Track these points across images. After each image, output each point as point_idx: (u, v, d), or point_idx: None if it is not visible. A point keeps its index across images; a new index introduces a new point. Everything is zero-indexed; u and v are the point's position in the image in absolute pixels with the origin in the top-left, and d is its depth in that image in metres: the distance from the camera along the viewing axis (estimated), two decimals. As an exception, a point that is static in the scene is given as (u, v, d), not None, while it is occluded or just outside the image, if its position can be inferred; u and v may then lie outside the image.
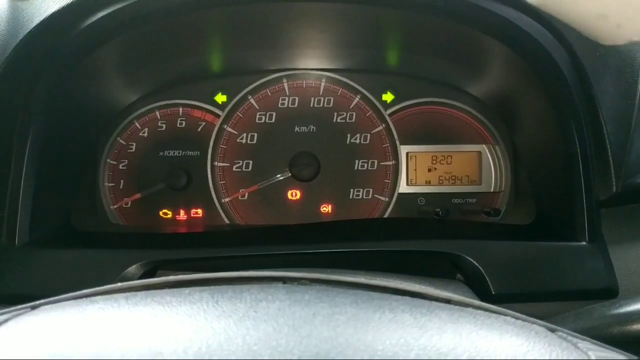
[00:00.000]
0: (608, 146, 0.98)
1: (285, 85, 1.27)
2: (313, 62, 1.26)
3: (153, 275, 1.02)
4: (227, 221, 1.26)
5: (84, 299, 0.56)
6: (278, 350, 0.43)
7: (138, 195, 1.26)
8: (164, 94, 1.26)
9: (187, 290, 0.56)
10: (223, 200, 1.26)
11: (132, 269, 0.94)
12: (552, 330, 0.54)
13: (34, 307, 0.55)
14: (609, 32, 0.40)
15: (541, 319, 0.78)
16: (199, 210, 1.26)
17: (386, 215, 1.25)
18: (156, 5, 0.96)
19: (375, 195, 1.26)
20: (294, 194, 1.26)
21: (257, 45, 1.19)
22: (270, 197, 1.26)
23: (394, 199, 1.26)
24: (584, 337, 0.53)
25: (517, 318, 0.54)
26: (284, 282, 0.63)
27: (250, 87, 1.27)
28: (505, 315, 0.55)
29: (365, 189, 1.27)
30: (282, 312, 0.49)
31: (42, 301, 0.56)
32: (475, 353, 0.45)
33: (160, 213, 1.27)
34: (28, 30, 0.91)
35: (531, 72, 0.98)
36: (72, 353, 0.43)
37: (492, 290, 0.92)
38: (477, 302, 0.57)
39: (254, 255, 0.98)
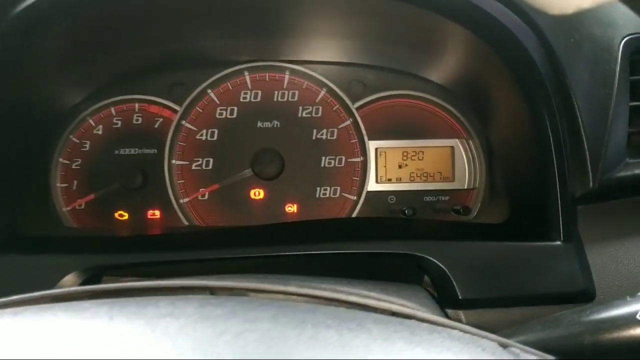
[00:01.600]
0: (584, 138, 0.93)
1: (247, 78, 1.20)
2: (276, 54, 1.19)
3: (99, 281, 0.95)
4: (186, 223, 1.19)
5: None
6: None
7: (92, 197, 1.19)
8: (119, 88, 1.19)
9: (87, 303, 0.49)
10: (181, 201, 1.19)
11: (71, 276, 0.87)
12: (504, 346, 0.47)
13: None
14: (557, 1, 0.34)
15: (507, 327, 0.72)
16: (157, 212, 1.19)
17: (354, 215, 1.19)
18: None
19: (343, 194, 1.20)
20: (257, 193, 1.20)
21: (216, 35, 1.12)
22: (232, 197, 1.19)
23: (363, 197, 1.19)
24: (539, 353, 0.47)
25: (465, 332, 0.48)
26: (212, 292, 0.56)
27: (210, 80, 1.19)
28: (453, 328, 0.48)
29: (333, 187, 1.20)
30: (183, 331, 0.42)
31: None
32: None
33: (116, 215, 1.19)
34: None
35: (499, 59, 0.91)
36: None
37: (459, 295, 0.86)
38: (421, 314, 0.50)
39: (206, 259, 0.91)
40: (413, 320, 0.48)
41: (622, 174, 0.95)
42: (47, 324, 0.43)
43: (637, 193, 0.98)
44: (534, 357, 0.44)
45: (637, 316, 0.63)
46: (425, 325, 0.48)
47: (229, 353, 0.39)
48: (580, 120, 0.92)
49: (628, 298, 0.66)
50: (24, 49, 0.93)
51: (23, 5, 0.86)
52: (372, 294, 0.64)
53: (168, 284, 0.53)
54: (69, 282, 0.89)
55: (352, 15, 1.04)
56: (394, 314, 0.52)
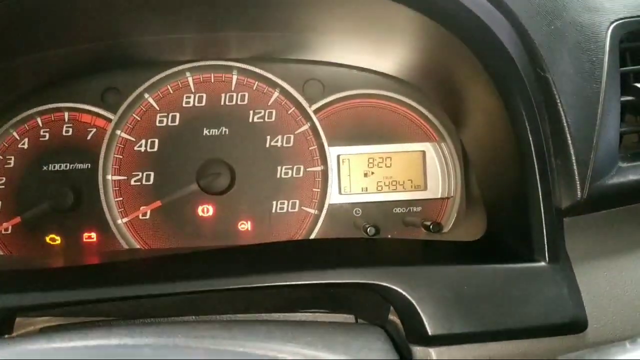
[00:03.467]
0: (569, 141, 0.83)
1: (190, 80, 1.10)
2: (221, 51, 1.08)
3: (12, 322, 0.82)
4: (125, 246, 1.08)
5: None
6: None
7: (18, 219, 1.07)
8: (45, 95, 1.08)
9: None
10: (119, 222, 1.08)
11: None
12: None
13: None
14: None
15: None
16: (93, 234, 1.08)
17: (316, 231, 1.07)
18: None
19: (303, 208, 1.09)
20: (206, 210, 1.08)
21: (153, 30, 1.01)
22: (177, 215, 1.09)
23: (325, 211, 1.09)
24: None
25: None
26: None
27: (148, 83, 1.09)
28: None
29: (291, 201, 1.10)
30: None
31: None
32: None
33: (47, 239, 1.08)
34: None
35: (461, 45, 0.80)
36: None
37: (428, 331, 0.73)
38: None
39: (151, 295, 0.79)
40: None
41: (615, 180, 0.84)
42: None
43: (632, 201, 0.87)
44: None
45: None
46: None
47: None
48: (564, 119, 0.83)
49: (627, 345, 0.54)
50: None
51: None
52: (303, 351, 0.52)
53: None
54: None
55: (304, 5, 0.92)
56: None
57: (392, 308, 0.82)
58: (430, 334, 0.74)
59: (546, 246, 0.80)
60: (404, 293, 0.76)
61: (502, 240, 0.89)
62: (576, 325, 0.76)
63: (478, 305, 0.76)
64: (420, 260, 0.83)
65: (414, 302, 0.75)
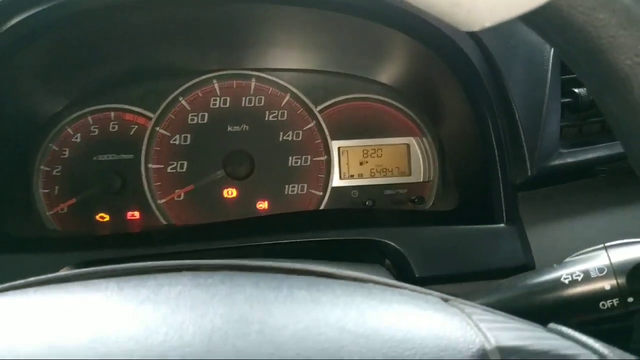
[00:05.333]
0: (521, 132, 1.02)
1: (216, 86, 1.29)
2: (242, 63, 1.28)
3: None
4: (164, 222, 1.27)
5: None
6: (172, 329, 0.45)
7: (73, 200, 1.25)
8: (95, 98, 1.26)
9: (91, 281, 0.58)
10: (159, 202, 1.27)
11: (64, 271, 0.95)
12: (445, 300, 0.57)
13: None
14: (463, 18, 0.44)
15: (461, 297, 0.83)
16: (136, 213, 1.27)
17: (321, 208, 1.28)
18: (80, 8, 0.96)
19: (310, 190, 1.29)
20: (230, 193, 1.28)
21: (184, 48, 1.21)
22: (206, 197, 1.28)
23: (328, 192, 1.29)
24: (475, 304, 0.57)
25: (412, 290, 0.58)
26: (191, 270, 0.65)
27: (181, 88, 1.28)
28: (403, 288, 0.58)
29: (300, 184, 1.29)
30: (182, 295, 0.51)
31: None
32: (362, 320, 0.48)
33: (97, 217, 1.27)
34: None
35: (441, 63, 1.02)
36: None
37: (415, 273, 0.96)
38: (379, 279, 0.60)
39: (190, 251, 1.00)
40: (371, 284, 0.58)
41: (556, 162, 1.04)
42: (70, 295, 0.52)
43: (570, 179, 1.10)
44: (466, 306, 0.54)
45: (562, 279, 0.74)
46: (380, 286, 0.58)
47: (221, 309, 0.48)
48: (517, 116, 1.01)
49: (555, 265, 0.77)
50: (8, 64, 1.00)
51: (6, 26, 0.93)
52: (336, 269, 0.74)
53: (163, 264, 0.62)
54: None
55: (309, 28, 1.14)
56: (354, 279, 0.62)
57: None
58: (417, 275, 0.96)
59: (504, 212, 1.01)
60: (396, 246, 0.98)
61: (471, 209, 1.12)
62: (526, 268, 0.96)
63: (453, 255, 0.99)
64: (408, 223, 1.06)
65: (404, 252, 0.98)
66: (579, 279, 0.73)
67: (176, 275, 0.57)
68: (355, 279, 0.61)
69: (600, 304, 0.71)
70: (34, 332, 0.47)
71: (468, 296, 0.77)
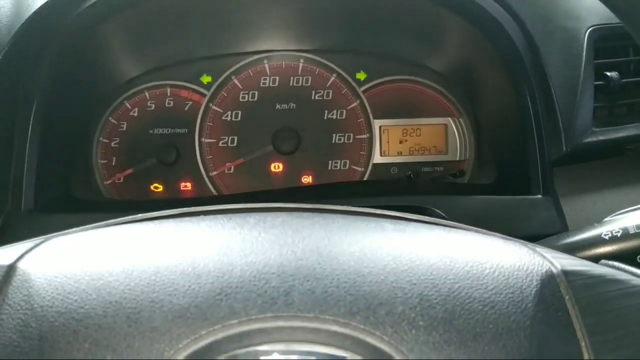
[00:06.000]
0: (558, 111, 1.09)
1: (266, 66, 1.37)
2: (291, 44, 1.36)
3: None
4: (215, 193, 1.35)
5: (113, 225, 0.65)
6: (285, 246, 0.53)
7: (130, 171, 1.34)
8: (153, 75, 1.34)
9: (202, 216, 0.65)
10: (211, 174, 1.35)
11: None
12: (507, 238, 0.65)
13: (68, 233, 0.64)
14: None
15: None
16: (188, 184, 1.35)
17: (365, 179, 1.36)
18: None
19: (352, 166, 1.37)
20: (277, 167, 1.36)
21: (238, 29, 1.29)
22: (254, 170, 1.36)
23: (369, 169, 1.36)
24: (539, 245, 0.64)
25: (477, 231, 0.66)
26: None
27: (234, 68, 1.36)
28: (470, 229, 0.66)
29: (343, 160, 1.37)
30: (286, 222, 0.59)
31: (75, 229, 0.65)
32: (446, 249, 0.56)
33: (152, 187, 1.35)
34: (33, 10, 0.99)
35: (489, 46, 1.09)
36: (112, 260, 0.51)
37: (459, 236, 1.03)
38: (452, 222, 0.68)
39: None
40: (440, 226, 0.66)
41: (589, 139, 1.11)
42: (185, 223, 0.60)
43: (602, 156, 1.17)
44: (534, 245, 0.61)
45: (602, 235, 0.81)
46: (449, 226, 0.66)
47: (322, 232, 0.56)
48: (554, 96, 1.08)
49: (595, 224, 0.84)
50: (87, 35, 1.09)
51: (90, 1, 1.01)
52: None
53: (252, 205, 0.70)
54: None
55: (358, 10, 1.22)
56: (428, 223, 0.69)
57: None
58: (461, 240, 1.04)
59: (540, 184, 1.08)
60: (442, 213, 1.06)
61: (509, 182, 1.19)
62: None
63: (493, 222, 1.06)
64: (451, 192, 1.14)
65: (449, 219, 1.06)
66: (619, 235, 0.80)
67: (273, 212, 0.65)
68: (428, 222, 0.69)
69: (638, 257, 0.79)
70: (168, 249, 0.54)
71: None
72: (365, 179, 1.36)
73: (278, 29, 1.31)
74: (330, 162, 1.37)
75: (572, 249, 0.83)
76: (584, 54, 1.12)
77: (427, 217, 0.70)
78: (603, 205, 1.12)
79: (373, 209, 0.72)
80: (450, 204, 1.07)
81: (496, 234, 0.67)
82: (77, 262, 0.52)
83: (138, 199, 1.34)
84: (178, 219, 0.64)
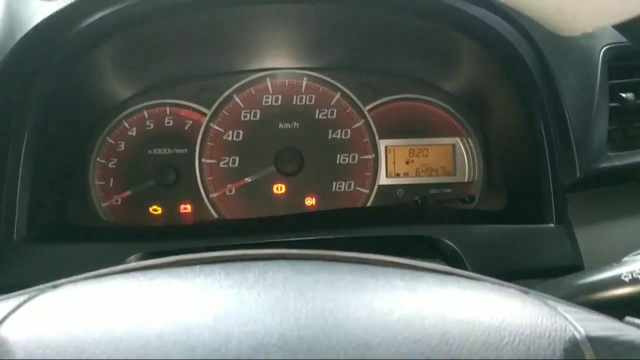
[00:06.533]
0: (571, 134, 1.05)
1: (269, 84, 1.33)
2: (294, 62, 1.32)
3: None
4: (215, 215, 1.31)
5: (103, 277, 0.60)
6: (287, 311, 0.49)
7: (128, 193, 1.30)
8: (152, 94, 1.31)
9: (197, 267, 0.61)
10: (211, 196, 1.31)
11: (129, 260, 0.99)
12: (525, 292, 0.61)
13: (55, 286, 0.60)
14: (566, 24, 0.48)
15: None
16: (188, 206, 1.31)
17: (368, 205, 1.32)
18: (146, 9, 1.01)
19: (357, 188, 1.33)
20: (280, 188, 1.32)
21: (240, 47, 1.25)
22: (256, 191, 1.32)
23: (375, 190, 1.32)
24: (553, 297, 0.60)
25: (494, 283, 0.61)
26: (284, 259, 0.68)
27: (235, 86, 1.32)
28: (485, 280, 0.62)
29: (347, 182, 1.33)
30: (288, 280, 0.55)
31: (63, 280, 0.61)
32: (459, 308, 0.52)
33: (150, 209, 1.31)
34: (26, 31, 0.95)
35: (500, 67, 1.05)
36: (99, 326, 0.47)
37: (469, 270, 0.99)
38: (460, 271, 0.64)
39: (246, 244, 1.03)
40: (453, 276, 0.62)
41: (604, 165, 1.07)
42: (182, 280, 0.56)
43: (617, 182, 1.13)
44: (547, 299, 0.58)
45: (622, 277, 0.77)
46: (463, 278, 0.61)
47: (327, 293, 0.52)
48: (568, 118, 1.04)
49: (614, 264, 0.80)
50: (81, 57, 1.05)
51: (89, 20, 0.97)
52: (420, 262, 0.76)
53: (252, 252, 0.66)
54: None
55: (363, 29, 1.18)
56: (434, 271, 0.65)
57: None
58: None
59: (554, 212, 1.04)
60: (451, 243, 1.02)
61: (519, 209, 1.15)
62: (575, 268, 0.98)
63: (505, 253, 1.02)
64: (461, 221, 1.09)
65: (458, 250, 1.01)
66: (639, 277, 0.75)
67: (273, 263, 0.61)
68: (439, 271, 0.65)
69: (661, 301, 0.74)
70: (160, 313, 0.50)
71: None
72: (370, 201, 1.32)
73: (281, 47, 1.27)
74: (334, 183, 1.33)
75: (590, 290, 0.79)
76: (599, 74, 1.09)
77: (439, 265, 0.65)
78: (619, 234, 1.08)
79: (382, 257, 0.68)
80: (459, 233, 1.02)
81: (514, 286, 0.62)
82: (61, 330, 0.48)
83: (136, 221, 1.30)
84: (173, 271, 0.60)
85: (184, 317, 0.48)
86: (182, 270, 0.59)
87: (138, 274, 0.60)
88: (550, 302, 0.58)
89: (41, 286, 0.59)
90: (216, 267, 0.59)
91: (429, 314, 0.50)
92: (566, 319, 0.53)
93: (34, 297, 0.55)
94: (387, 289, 0.55)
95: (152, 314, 0.50)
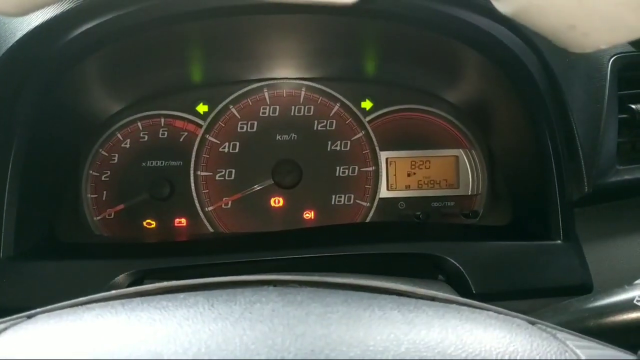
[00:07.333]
0: (579, 148, 1.02)
1: (266, 94, 1.29)
2: (293, 72, 1.28)
3: (140, 284, 1.03)
4: (211, 229, 1.27)
5: (81, 306, 0.57)
6: (274, 349, 0.45)
7: (122, 206, 1.26)
8: (146, 105, 1.27)
9: (181, 295, 0.58)
10: (207, 209, 1.27)
11: (120, 278, 0.95)
12: (532, 323, 0.57)
13: (30, 316, 0.56)
14: (577, 41, 0.44)
15: (521, 314, 0.82)
16: (183, 220, 1.27)
17: (368, 220, 1.28)
18: (138, 19, 0.97)
19: (357, 201, 1.29)
20: (277, 201, 1.28)
21: (237, 57, 1.22)
22: (253, 205, 1.28)
23: (375, 203, 1.28)
24: (562, 328, 0.56)
25: (498, 312, 0.57)
26: (275, 285, 0.65)
27: (232, 97, 1.28)
28: (488, 310, 0.58)
29: (347, 195, 1.29)
30: (276, 313, 0.51)
31: (38, 310, 0.57)
32: (461, 345, 0.48)
33: (144, 223, 1.27)
34: (11, 43, 0.92)
35: (505, 78, 1.02)
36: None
37: (473, 289, 0.95)
38: (461, 299, 0.59)
39: (241, 262, 1.00)
40: (454, 304, 0.58)
41: (613, 179, 1.04)
42: (162, 311, 0.52)
43: (627, 196, 1.09)
44: (556, 331, 0.54)
45: (635, 301, 0.73)
46: (464, 307, 0.57)
47: (318, 328, 0.48)
48: (576, 132, 1.01)
49: (626, 286, 0.76)
50: (70, 69, 1.02)
51: (76, 32, 0.94)
52: (418, 288, 0.73)
53: (245, 278, 0.62)
54: (116, 286, 0.97)
55: (365, 38, 1.14)
56: (434, 299, 0.61)
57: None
58: (474, 292, 0.96)
59: (561, 228, 1.01)
60: (454, 261, 0.98)
61: (525, 225, 1.11)
62: (584, 288, 0.96)
63: (510, 271, 0.98)
64: (464, 238, 1.05)
65: (461, 268, 0.97)
66: (653, 301, 0.71)
67: (262, 291, 0.57)
68: (434, 298, 0.61)
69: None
70: (135, 350, 0.46)
71: (537, 316, 0.76)
72: (371, 214, 1.28)
73: (279, 57, 1.24)
74: (333, 196, 1.29)
75: (600, 315, 0.75)
76: (607, 85, 1.05)
77: (439, 293, 0.61)
78: (630, 251, 1.05)
79: (378, 282, 0.64)
80: (462, 251, 0.98)
81: (520, 316, 0.58)
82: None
83: (130, 235, 1.27)
84: (154, 301, 0.56)
85: (161, 355, 0.45)
86: (163, 300, 0.55)
87: (117, 304, 0.56)
88: (559, 335, 0.54)
89: (15, 316, 0.56)
90: (200, 297, 0.55)
91: (428, 353, 0.46)
92: (574, 352, 0.49)
93: (7, 328, 0.52)
94: (383, 322, 0.51)
95: (128, 350, 0.46)
